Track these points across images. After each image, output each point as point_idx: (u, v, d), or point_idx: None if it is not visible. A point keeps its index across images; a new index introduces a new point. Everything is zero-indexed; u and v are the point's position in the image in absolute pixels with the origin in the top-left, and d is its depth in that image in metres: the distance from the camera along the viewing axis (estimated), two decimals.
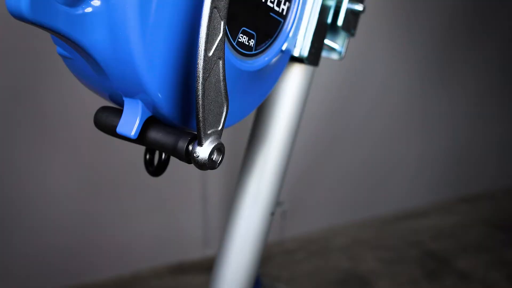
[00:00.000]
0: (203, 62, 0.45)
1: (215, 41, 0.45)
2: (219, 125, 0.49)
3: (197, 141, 0.48)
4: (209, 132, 0.48)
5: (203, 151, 0.48)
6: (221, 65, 0.47)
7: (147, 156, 0.62)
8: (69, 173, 1.57)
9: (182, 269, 1.82)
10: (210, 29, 0.44)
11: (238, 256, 0.76)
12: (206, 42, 0.44)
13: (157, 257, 1.82)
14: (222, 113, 0.49)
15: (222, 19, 0.45)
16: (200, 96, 0.45)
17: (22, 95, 1.44)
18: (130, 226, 1.74)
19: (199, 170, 1.82)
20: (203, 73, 0.45)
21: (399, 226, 2.25)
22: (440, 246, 2.08)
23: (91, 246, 1.68)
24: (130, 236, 1.74)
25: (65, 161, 1.55)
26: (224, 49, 0.47)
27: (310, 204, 2.12)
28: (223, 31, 0.46)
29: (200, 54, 0.44)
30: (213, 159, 0.49)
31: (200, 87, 0.45)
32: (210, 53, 0.45)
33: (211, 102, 0.47)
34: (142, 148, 0.63)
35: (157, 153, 0.62)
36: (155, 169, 0.62)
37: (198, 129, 0.47)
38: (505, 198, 2.62)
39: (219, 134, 0.50)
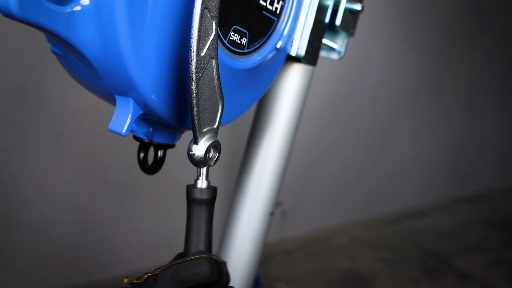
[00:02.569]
0: (196, 62, 0.45)
1: (207, 41, 0.46)
2: (215, 123, 0.50)
3: (193, 139, 0.49)
4: (204, 130, 0.48)
5: (199, 149, 0.49)
6: (214, 64, 0.47)
7: (141, 154, 0.62)
8: (69, 174, 1.57)
9: None
10: (202, 30, 0.45)
11: (237, 256, 0.76)
12: (198, 42, 0.44)
13: (157, 257, 1.82)
14: (218, 111, 0.50)
15: (213, 19, 0.45)
16: (194, 95, 0.46)
17: (23, 96, 1.44)
18: (130, 226, 1.74)
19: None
20: (196, 72, 0.45)
21: (399, 226, 2.25)
22: (440, 246, 2.08)
23: (91, 246, 1.68)
24: (130, 236, 1.74)
25: (65, 162, 1.55)
26: (217, 48, 0.47)
27: (310, 204, 2.12)
28: (215, 31, 0.46)
29: (192, 54, 0.45)
30: (210, 156, 0.50)
31: (193, 87, 0.46)
32: (203, 53, 0.45)
33: (206, 101, 0.48)
34: None
35: (151, 151, 0.62)
36: (150, 166, 0.62)
37: (194, 128, 0.47)
38: (504, 198, 2.62)
39: (215, 132, 0.50)
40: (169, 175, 1.76)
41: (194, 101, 0.46)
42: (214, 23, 0.45)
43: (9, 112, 1.44)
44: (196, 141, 0.48)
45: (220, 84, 0.49)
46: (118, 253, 1.74)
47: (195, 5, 0.43)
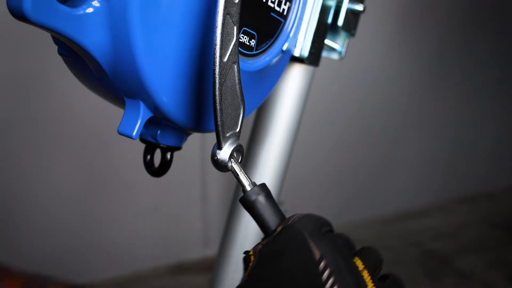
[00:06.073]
0: (219, 68, 0.45)
1: (229, 46, 0.46)
2: (237, 127, 0.50)
3: (216, 144, 0.49)
4: (227, 135, 0.49)
5: (223, 154, 0.49)
6: (236, 69, 0.47)
7: (147, 157, 0.62)
8: (70, 174, 1.57)
9: (182, 269, 1.82)
10: (224, 35, 0.45)
11: (238, 256, 0.76)
12: (221, 48, 0.44)
13: (157, 257, 1.82)
14: (239, 115, 0.50)
15: (235, 24, 0.45)
16: (217, 102, 0.46)
17: (25, 96, 1.44)
18: (130, 226, 1.74)
19: (199, 170, 1.82)
20: (219, 78, 0.45)
21: (399, 226, 2.25)
22: (440, 246, 2.08)
23: (91, 246, 1.68)
24: (130, 236, 1.74)
25: (66, 162, 1.55)
26: (238, 53, 0.47)
27: (310, 204, 2.12)
28: (236, 35, 0.46)
29: (215, 61, 0.44)
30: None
31: (217, 93, 0.45)
32: (225, 59, 0.45)
33: (228, 106, 0.48)
34: (142, 148, 0.63)
35: (158, 153, 0.62)
36: (158, 169, 0.62)
37: (217, 133, 0.47)
38: (504, 197, 2.62)
39: (237, 136, 0.50)
40: (168, 176, 1.75)
41: (218, 107, 0.46)
42: (235, 28, 0.45)
43: (14, 111, 1.44)
44: (220, 147, 0.48)
45: (241, 88, 0.49)
46: (117, 254, 1.74)
47: (217, 11, 0.43)
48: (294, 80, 0.72)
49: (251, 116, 0.76)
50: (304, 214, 0.48)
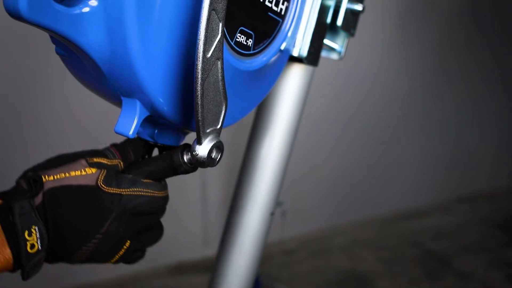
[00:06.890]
0: (202, 63, 0.45)
1: (214, 42, 0.46)
2: (218, 124, 0.50)
3: (196, 140, 0.49)
4: (208, 130, 0.49)
5: (202, 149, 0.49)
6: (219, 66, 0.47)
7: (145, 156, 0.62)
8: None
9: (182, 269, 1.82)
10: (209, 31, 0.44)
11: (238, 256, 0.76)
12: (205, 44, 0.44)
13: (157, 257, 1.82)
14: (221, 111, 0.50)
15: (220, 21, 0.45)
16: (199, 96, 0.46)
17: (23, 96, 1.44)
18: None
19: (198, 170, 1.82)
20: (202, 74, 0.45)
21: (399, 226, 2.25)
22: (440, 246, 2.08)
23: None
24: None
25: None
26: (222, 50, 0.47)
27: (310, 204, 2.12)
28: (221, 32, 0.46)
29: (198, 56, 0.44)
30: (212, 156, 0.50)
31: (198, 88, 0.46)
32: (209, 54, 0.46)
33: (210, 102, 0.48)
34: None
35: (156, 152, 0.62)
36: None
37: (197, 128, 0.48)
38: (504, 198, 2.62)
39: (218, 132, 0.50)
40: None
41: (199, 102, 0.46)
42: (220, 24, 0.45)
43: (13, 111, 1.44)
44: (199, 142, 0.49)
45: (224, 85, 0.49)
46: None
47: (202, 7, 0.43)
48: (293, 80, 0.72)
49: (251, 116, 0.76)
50: (149, 195, 0.55)
